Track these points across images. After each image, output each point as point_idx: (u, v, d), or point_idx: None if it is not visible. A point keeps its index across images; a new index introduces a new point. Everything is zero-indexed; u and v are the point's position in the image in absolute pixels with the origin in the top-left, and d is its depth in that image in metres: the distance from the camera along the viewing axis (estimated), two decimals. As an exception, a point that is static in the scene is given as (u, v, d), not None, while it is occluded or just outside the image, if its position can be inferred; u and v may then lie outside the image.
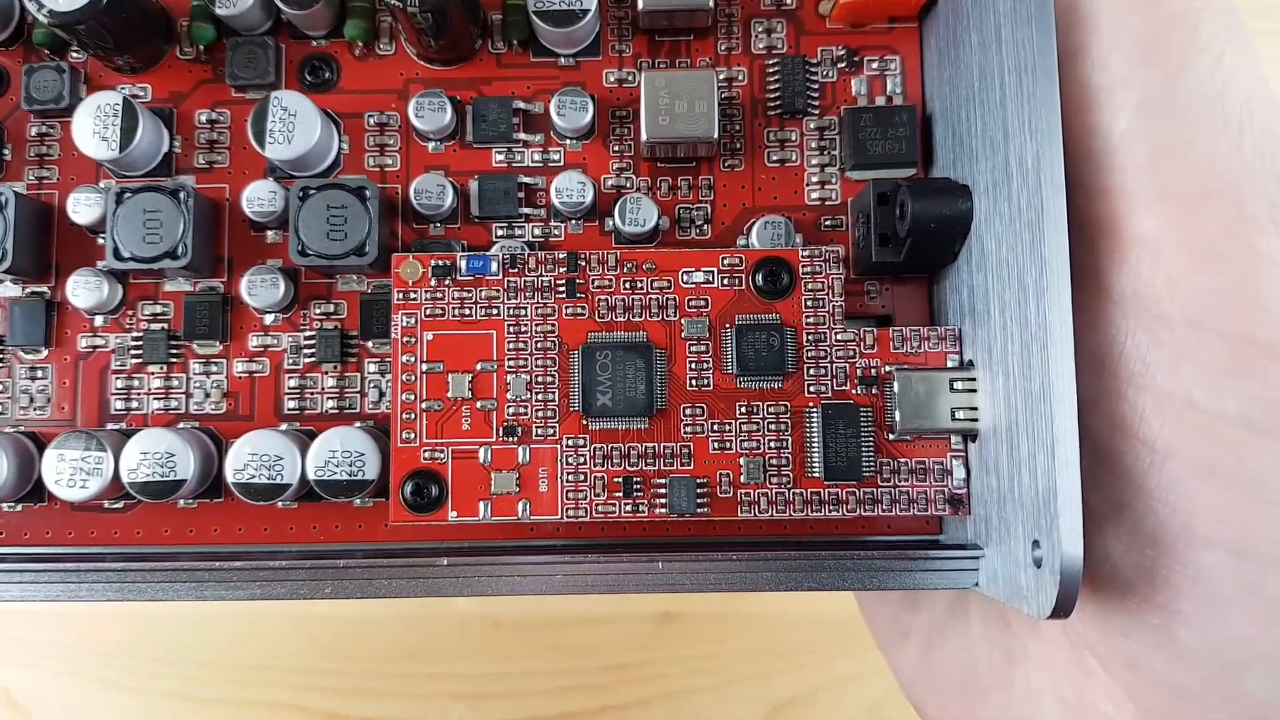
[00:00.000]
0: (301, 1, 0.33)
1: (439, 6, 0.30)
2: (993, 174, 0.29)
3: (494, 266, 0.31)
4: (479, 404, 0.31)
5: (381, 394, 0.33)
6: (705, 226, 0.34)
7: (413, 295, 0.31)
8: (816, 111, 0.34)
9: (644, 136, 0.32)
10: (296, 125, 0.32)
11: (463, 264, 0.31)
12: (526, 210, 0.34)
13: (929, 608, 0.35)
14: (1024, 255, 0.27)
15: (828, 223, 0.34)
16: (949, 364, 0.31)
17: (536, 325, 0.31)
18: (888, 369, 0.31)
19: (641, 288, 0.31)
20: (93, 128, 0.32)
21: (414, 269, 0.31)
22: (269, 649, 0.58)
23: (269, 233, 0.34)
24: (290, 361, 0.34)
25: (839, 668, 0.58)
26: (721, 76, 0.34)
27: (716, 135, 0.32)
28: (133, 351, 0.33)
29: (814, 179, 0.34)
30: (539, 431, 0.31)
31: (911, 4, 0.33)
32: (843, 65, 0.34)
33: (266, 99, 0.32)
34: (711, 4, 0.32)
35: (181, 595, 0.30)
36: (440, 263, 0.31)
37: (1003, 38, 0.28)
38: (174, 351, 0.33)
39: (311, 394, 0.33)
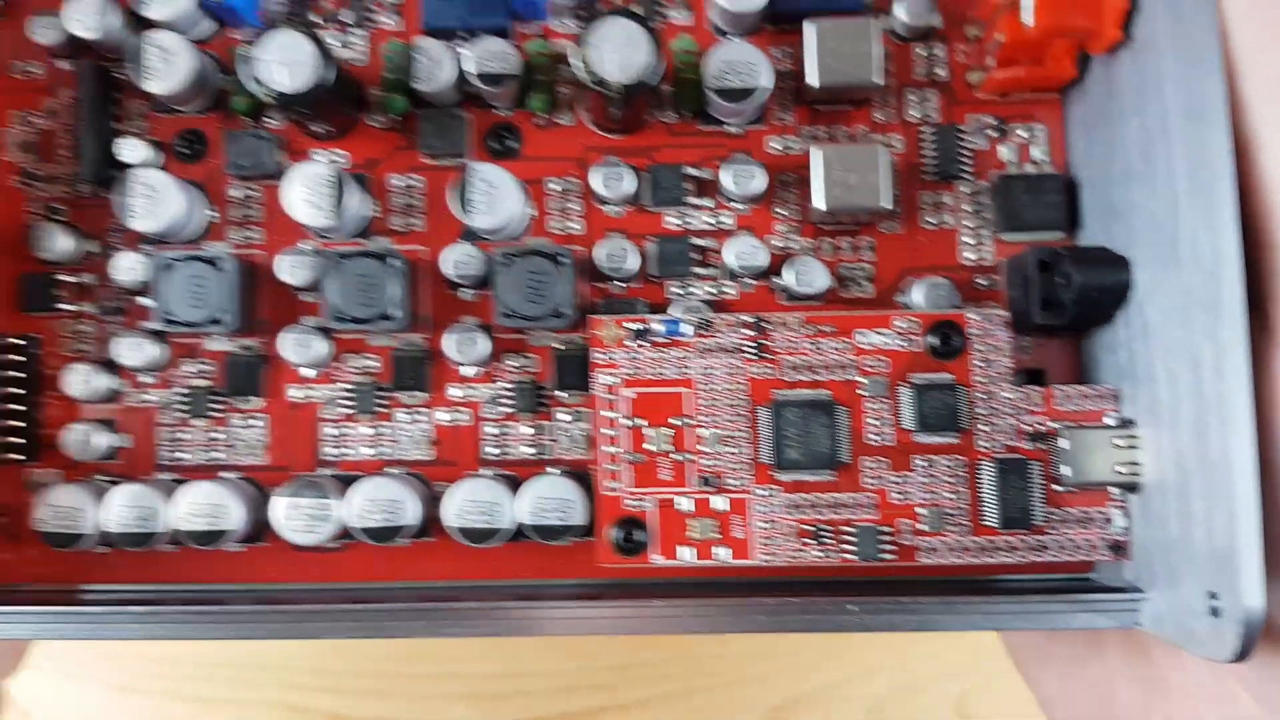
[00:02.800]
0: (495, 80, 0.35)
1: (637, 92, 0.33)
2: (1156, 249, 0.31)
3: (686, 329, 0.34)
4: (677, 456, 0.34)
5: (574, 441, 0.36)
6: (868, 285, 0.37)
7: (612, 355, 0.34)
8: (969, 176, 0.37)
9: (821, 207, 0.35)
10: (497, 196, 0.35)
11: (658, 327, 0.34)
12: (699, 270, 0.37)
13: (1069, 636, 0.38)
14: (1198, 334, 0.29)
15: (981, 282, 0.37)
16: (1107, 421, 0.34)
17: (727, 383, 0.34)
18: (1053, 425, 0.34)
19: (823, 348, 0.34)
20: (305, 196, 0.34)
21: (613, 332, 0.34)
22: (269, 649, 0.59)
23: (464, 290, 0.36)
24: (489, 411, 0.36)
25: (840, 669, 0.59)
26: (875, 138, 0.37)
27: (890, 206, 0.35)
28: (342, 401, 0.36)
29: (968, 240, 0.37)
30: (733, 482, 0.34)
31: (1056, 80, 0.36)
32: (992, 133, 0.37)
33: (468, 172, 0.34)
34: (882, 82, 0.35)
35: (414, 632, 0.32)
36: (637, 326, 0.34)
37: (1169, 127, 0.31)
38: (380, 402, 0.36)
39: (510, 441, 0.36)
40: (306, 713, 0.59)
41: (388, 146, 0.37)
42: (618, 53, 0.33)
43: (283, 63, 0.33)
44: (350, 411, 0.36)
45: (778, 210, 0.37)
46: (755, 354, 0.34)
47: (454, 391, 0.36)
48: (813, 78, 0.35)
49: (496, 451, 0.36)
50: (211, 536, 0.34)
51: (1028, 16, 0.33)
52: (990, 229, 0.37)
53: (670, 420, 0.34)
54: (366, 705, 0.58)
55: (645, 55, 0.33)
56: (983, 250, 0.37)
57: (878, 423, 0.34)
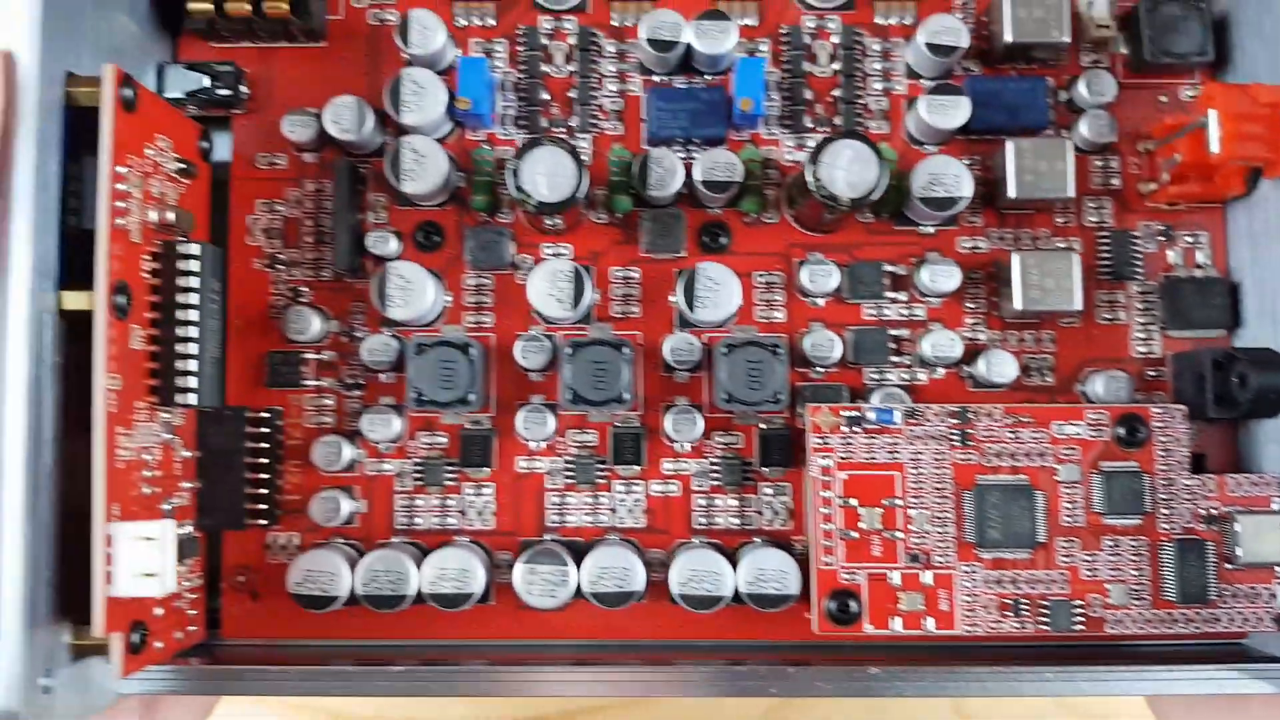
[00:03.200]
0: (721, 187, 0.38)
1: (862, 204, 0.36)
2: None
3: (897, 417, 0.37)
4: (887, 534, 0.37)
5: (776, 514, 0.39)
6: (1048, 374, 0.40)
7: (828, 440, 0.37)
8: (1140, 277, 0.40)
9: (1018, 308, 0.38)
10: (721, 292, 0.38)
11: (870, 415, 0.37)
12: (894, 359, 0.40)
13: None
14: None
15: (1150, 373, 0.40)
16: (1274, 506, 0.37)
17: (933, 468, 0.37)
18: (1226, 509, 0.37)
19: (1022, 437, 0.37)
20: (548, 290, 0.37)
21: (829, 418, 0.37)
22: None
23: (680, 373, 0.39)
24: (698, 485, 0.39)
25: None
26: (1059, 245, 0.40)
27: (1080, 308, 0.38)
28: (565, 473, 0.39)
29: (1139, 335, 0.40)
30: (939, 559, 0.37)
31: (1223, 195, 0.39)
32: (1160, 238, 0.40)
33: (694, 271, 0.38)
34: (1072, 194, 0.38)
35: (660, 691, 0.35)
36: (852, 414, 0.37)
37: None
38: (600, 474, 0.39)
39: (717, 512, 0.39)
40: (306, 709, 0.57)
41: (609, 241, 0.40)
42: (848, 171, 0.36)
43: (545, 174, 0.36)
44: (571, 482, 0.39)
45: (967, 304, 0.40)
46: (960, 441, 0.37)
47: (667, 465, 0.39)
48: (1011, 191, 0.38)
49: (705, 521, 0.39)
50: (458, 599, 0.37)
51: (1214, 146, 0.36)
52: (1158, 325, 0.40)
53: (882, 501, 0.37)
54: (366, 703, 0.57)
55: (874, 173, 0.36)
56: (1151, 345, 0.40)
57: (1070, 505, 0.37)
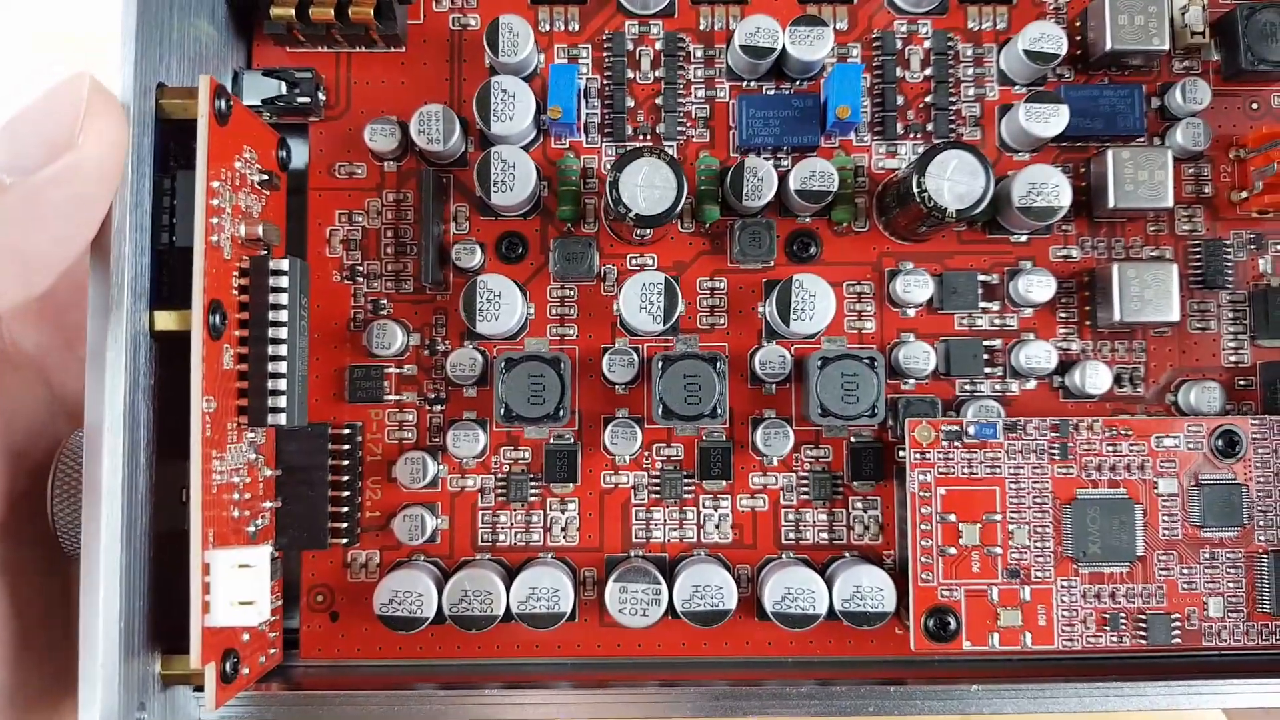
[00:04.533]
0: (817, 197, 0.38)
1: (968, 215, 0.36)
2: None
3: (998, 430, 0.37)
4: (986, 550, 0.36)
5: (866, 528, 0.39)
6: (1140, 384, 0.39)
7: (927, 455, 0.37)
8: (1231, 285, 0.40)
9: (1118, 318, 0.37)
10: (817, 304, 0.37)
11: (970, 429, 0.37)
12: (988, 370, 0.39)
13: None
14: None
15: (1241, 383, 0.40)
16: (1373, 518, 0.37)
17: (1033, 482, 0.37)
18: (1324, 522, 0.37)
19: (1121, 450, 0.37)
20: (639, 303, 0.37)
21: (928, 433, 0.37)
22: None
23: (770, 384, 0.39)
24: (786, 499, 0.39)
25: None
26: (1151, 254, 0.40)
27: (1177, 319, 0.38)
28: (650, 488, 0.39)
29: (1229, 344, 0.40)
30: (1037, 574, 0.36)
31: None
32: (1252, 246, 0.40)
33: (790, 282, 0.37)
34: (1170, 204, 0.38)
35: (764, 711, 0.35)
36: (951, 428, 0.37)
37: None
38: (686, 489, 0.39)
39: (805, 526, 0.39)
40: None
41: (694, 251, 0.39)
42: (954, 182, 0.35)
43: (643, 186, 0.35)
44: (657, 497, 0.39)
45: (1060, 314, 0.39)
46: (1059, 455, 0.37)
47: (755, 479, 0.39)
48: (1111, 201, 0.38)
49: (793, 536, 0.39)
50: (551, 619, 0.36)
51: (1318, 157, 0.36)
52: (1249, 334, 0.40)
53: (981, 516, 0.36)
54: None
55: (982, 184, 0.35)
56: (1241, 354, 0.40)
57: (1169, 519, 0.37)
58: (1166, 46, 0.38)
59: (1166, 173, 0.38)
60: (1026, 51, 0.38)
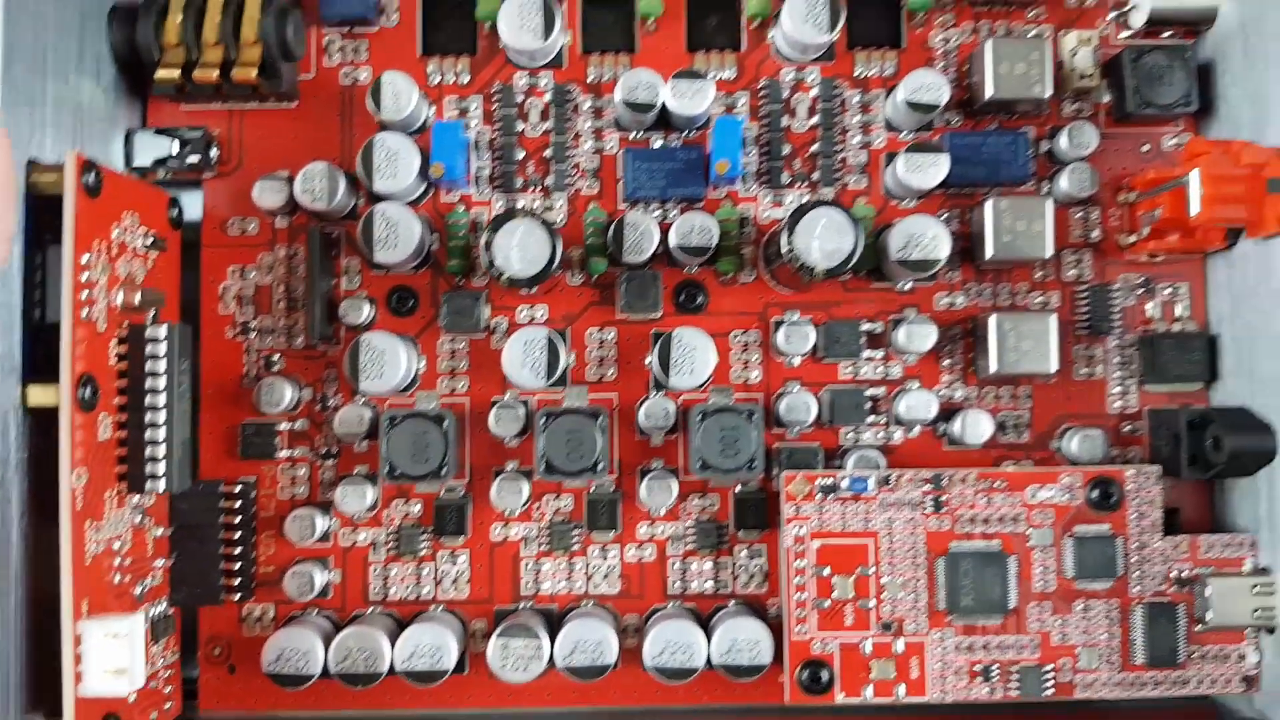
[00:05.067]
0: (698, 251, 0.38)
1: (838, 273, 0.36)
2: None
3: (871, 485, 0.37)
4: (860, 603, 0.37)
5: (751, 577, 0.39)
6: (1024, 431, 0.40)
7: (802, 509, 0.37)
8: (1118, 330, 0.40)
9: (994, 370, 0.38)
10: (697, 358, 0.37)
11: (844, 483, 0.37)
12: (871, 419, 0.40)
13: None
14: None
15: (1127, 428, 0.40)
16: (1245, 567, 0.37)
17: (907, 534, 0.37)
18: (1198, 571, 0.37)
19: (995, 502, 0.37)
20: (521, 360, 0.37)
21: (802, 486, 0.37)
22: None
23: (656, 436, 0.39)
24: (673, 549, 0.39)
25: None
26: (1038, 300, 0.40)
27: (1054, 370, 0.38)
28: (540, 540, 0.39)
29: (1115, 390, 0.40)
30: (910, 626, 0.37)
31: (1204, 248, 0.39)
32: (1140, 291, 0.40)
33: (669, 336, 0.37)
34: (1050, 254, 0.38)
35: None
36: (826, 481, 0.37)
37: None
38: (575, 540, 0.39)
39: (692, 576, 0.39)
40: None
41: (583, 302, 0.40)
42: (823, 240, 0.35)
43: (518, 248, 0.35)
44: (547, 549, 0.39)
45: (944, 361, 0.40)
46: (933, 508, 0.37)
47: (642, 530, 0.39)
48: (989, 251, 0.38)
49: (680, 586, 0.39)
50: (432, 676, 0.37)
51: (1194, 207, 0.36)
52: (1136, 380, 0.40)
53: (855, 569, 0.37)
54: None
55: (850, 242, 0.35)
56: (1128, 399, 0.40)
57: (1043, 570, 0.37)
58: (1048, 95, 0.38)
59: (1045, 223, 0.38)
60: (908, 102, 0.38)
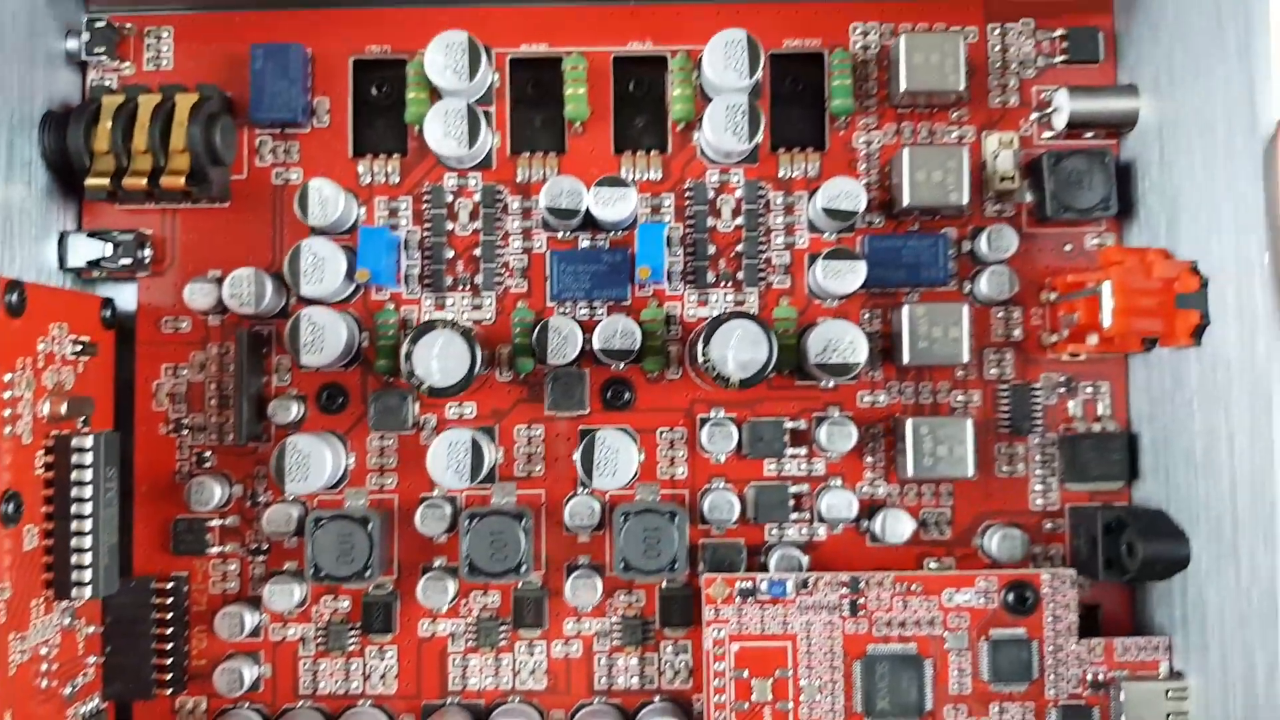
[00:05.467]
0: (620, 355, 0.39)
1: (754, 383, 0.36)
2: (1217, 545, 0.35)
3: (789, 588, 0.38)
4: (778, 705, 0.37)
5: (677, 673, 0.40)
6: (946, 528, 0.40)
7: (721, 612, 0.38)
8: (1039, 430, 0.40)
9: (909, 473, 0.38)
10: (620, 459, 0.38)
11: (763, 585, 0.38)
12: (795, 515, 0.40)
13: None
14: (1254, 635, 0.33)
15: (1049, 526, 0.40)
16: (1161, 671, 0.38)
17: (824, 637, 0.38)
18: (1113, 674, 0.38)
19: (911, 605, 0.38)
20: (445, 463, 0.38)
21: (722, 589, 0.38)
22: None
23: (583, 533, 0.40)
24: (599, 645, 0.40)
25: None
26: (959, 398, 0.40)
27: (971, 474, 0.38)
28: (467, 636, 0.40)
29: (1037, 488, 0.40)
30: (829, 727, 0.37)
31: (1124, 351, 0.39)
32: (1061, 390, 0.41)
33: (593, 438, 0.38)
34: (967, 359, 0.39)
35: None
36: (745, 584, 0.38)
37: (1235, 447, 0.34)
38: (502, 636, 0.40)
39: (618, 672, 0.40)
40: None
41: (512, 399, 0.40)
42: (738, 351, 0.36)
43: (438, 359, 0.36)
44: (473, 645, 0.40)
45: (867, 458, 0.40)
46: (850, 611, 0.38)
47: (569, 625, 0.40)
48: (906, 357, 0.38)
49: (606, 682, 0.40)
50: (360, 771, 0.38)
51: (1105, 319, 0.36)
52: (1057, 478, 0.40)
53: (774, 672, 0.37)
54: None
55: (765, 353, 0.36)
56: (1050, 497, 0.40)
57: (958, 673, 0.38)
58: (965, 202, 0.39)
59: (962, 329, 0.38)
60: (825, 209, 0.39)
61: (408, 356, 0.36)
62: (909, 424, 0.38)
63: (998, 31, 0.41)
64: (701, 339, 0.36)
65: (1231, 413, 0.34)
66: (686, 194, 0.41)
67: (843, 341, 0.38)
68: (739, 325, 0.36)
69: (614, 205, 0.38)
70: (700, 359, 0.36)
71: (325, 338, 0.38)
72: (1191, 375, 0.36)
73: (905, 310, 0.38)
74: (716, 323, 0.36)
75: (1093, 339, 0.39)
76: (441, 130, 0.38)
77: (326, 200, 0.38)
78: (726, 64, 0.39)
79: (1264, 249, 0.32)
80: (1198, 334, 0.35)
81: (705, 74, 0.39)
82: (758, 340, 0.36)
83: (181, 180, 0.38)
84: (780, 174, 0.41)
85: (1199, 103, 0.36)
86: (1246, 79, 0.33)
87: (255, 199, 0.41)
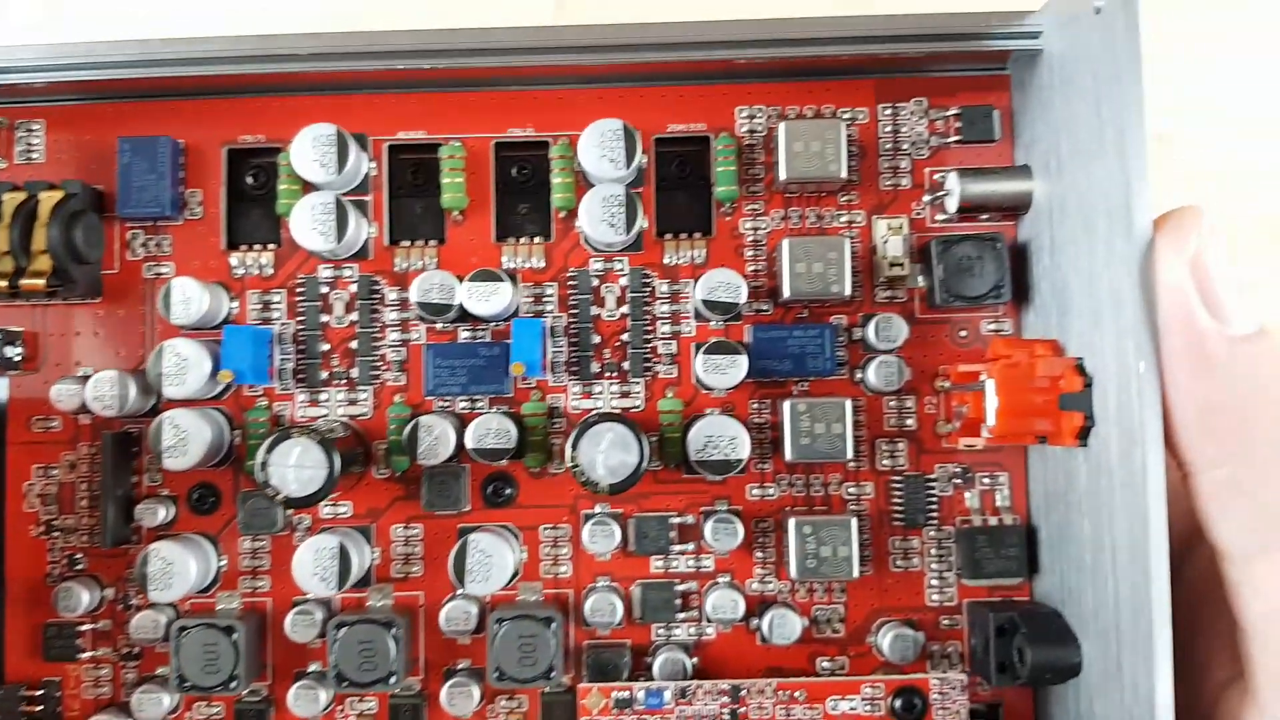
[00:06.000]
0: (495, 455, 0.37)
1: (624, 489, 0.35)
2: (1103, 662, 0.33)
3: (667, 698, 0.36)
4: (658, 817, 0.36)
5: (560, 780, 0.39)
6: (839, 625, 0.39)
7: (598, 721, 0.36)
8: (935, 523, 0.39)
9: (793, 575, 0.37)
10: (494, 564, 0.37)
11: (640, 696, 0.36)
12: (682, 615, 0.39)
13: None
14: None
15: (945, 622, 0.39)
16: (1058, 778, 0.36)
17: (705, 747, 0.36)
18: (1007, 784, 0.36)
19: (795, 714, 0.36)
20: (312, 569, 0.37)
21: (598, 700, 0.37)
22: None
23: (462, 636, 0.39)
24: (480, 751, 0.39)
25: None
26: (850, 490, 0.39)
27: (857, 576, 0.37)
28: (344, 744, 0.39)
29: (933, 583, 0.39)
30: (710, 841, 0.36)
31: (1017, 444, 0.38)
32: (958, 481, 0.39)
33: (465, 542, 0.37)
34: (851, 457, 0.37)
35: None
36: (621, 694, 0.36)
37: (1118, 560, 0.32)
38: (382, 744, 0.39)
39: (500, 778, 0.39)
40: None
41: (389, 496, 0.39)
42: (608, 456, 0.35)
43: (294, 468, 0.35)
44: (353, 751, 0.39)
45: (757, 554, 0.39)
46: (731, 720, 0.36)
47: (448, 731, 0.39)
48: (788, 454, 0.37)
49: (490, 786, 0.39)
50: None
51: (989, 420, 0.35)
52: (954, 572, 0.39)
53: (652, 783, 0.36)
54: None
55: (634, 458, 0.35)
56: (946, 593, 0.39)
57: (846, 784, 0.36)
58: (848, 293, 0.37)
59: (845, 424, 0.37)
60: (704, 301, 0.37)
61: (263, 466, 0.35)
62: (791, 523, 0.37)
63: (889, 111, 0.40)
64: (570, 443, 0.35)
65: (1114, 524, 0.33)
66: (569, 283, 0.39)
67: (724, 438, 0.37)
68: (609, 429, 0.35)
69: (488, 300, 0.37)
70: (569, 463, 0.35)
71: (189, 441, 0.37)
72: (1081, 476, 0.35)
73: (786, 406, 0.37)
74: (586, 426, 0.35)
75: (986, 431, 0.37)
76: (308, 224, 0.37)
77: (190, 299, 0.37)
78: (602, 154, 0.37)
79: (1139, 358, 0.31)
80: (1083, 436, 0.34)
81: (581, 164, 0.38)
82: (628, 444, 0.35)
83: (42, 281, 0.37)
84: (666, 260, 0.40)
85: (1082, 195, 0.34)
86: (1124, 180, 0.32)
87: (127, 294, 0.40)
